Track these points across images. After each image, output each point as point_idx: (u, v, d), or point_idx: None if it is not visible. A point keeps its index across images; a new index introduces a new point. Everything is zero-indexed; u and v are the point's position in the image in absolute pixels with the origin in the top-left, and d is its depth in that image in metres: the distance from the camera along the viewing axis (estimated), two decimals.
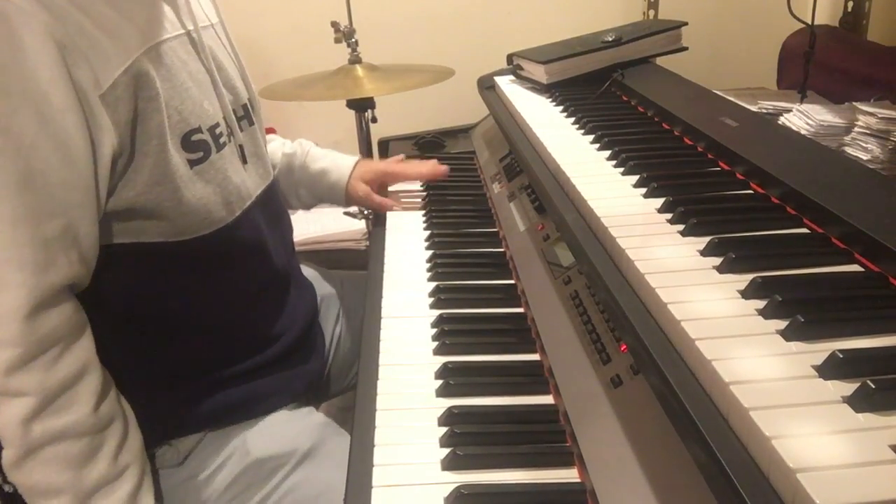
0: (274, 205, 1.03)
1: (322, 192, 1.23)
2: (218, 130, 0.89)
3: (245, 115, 0.99)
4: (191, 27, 0.88)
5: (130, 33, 0.77)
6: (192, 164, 0.84)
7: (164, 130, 0.79)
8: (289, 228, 1.10)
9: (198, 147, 0.85)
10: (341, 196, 1.23)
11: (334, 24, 1.75)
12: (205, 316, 0.90)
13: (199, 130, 0.85)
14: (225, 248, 0.90)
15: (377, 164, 1.29)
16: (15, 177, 0.68)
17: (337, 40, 1.76)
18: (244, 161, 0.95)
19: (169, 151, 0.80)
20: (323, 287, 1.21)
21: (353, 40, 1.76)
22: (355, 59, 1.77)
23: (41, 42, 0.69)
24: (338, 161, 1.23)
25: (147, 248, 0.82)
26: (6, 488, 0.72)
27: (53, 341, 0.72)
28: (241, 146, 0.95)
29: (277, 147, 1.22)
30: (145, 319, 0.87)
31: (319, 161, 1.22)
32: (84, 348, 0.75)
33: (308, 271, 1.20)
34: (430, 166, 1.30)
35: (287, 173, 1.21)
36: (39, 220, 0.70)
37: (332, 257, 1.95)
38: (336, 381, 1.19)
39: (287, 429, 0.93)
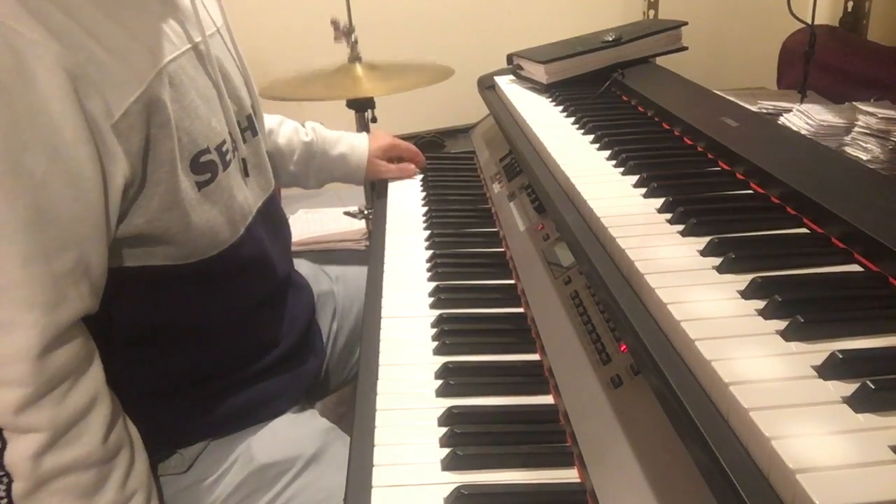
0: (274, 215, 1.03)
1: (342, 175, 1.33)
2: (224, 148, 0.87)
3: (249, 125, 0.97)
4: (198, 39, 0.85)
5: (140, 55, 0.75)
6: (200, 186, 0.83)
7: (174, 155, 0.78)
8: (288, 235, 1.10)
9: (206, 168, 0.83)
10: (360, 178, 1.35)
11: (334, 23, 1.75)
12: (208, 329, 0.90)
13: (207, 151, 0.83)
14: (230, 265, 0.89)
15: (383, 140, 1.39)
16: (25, 214, 0.66)
17: (336, 39, 1.76)
18: (246, 174, 0.94)
19: (179, 176, 0.79)
20: (318, 284, 1.21)
21: (353, 39, 1.76)
22: (355, 58, 1.77)
23: (52, 74, 0.67)
24: (353, 143, 1.32)
25: (153, 271, 0.81)
26: None
27: (63, 377, 0.71)
28: (243, 160, 0.93)
29: (293, 132, 1.25)
30: (148, 335, 0.86)
31: (337, 146, 1.30)
32: (93, 378, 0.74)
33: (303, 268, 1.19)
34: (420, 158, 1.44)
35: (307, 160, 1.27)
36: (50, 256, 0.68)
37: (332, 257, 1.95)
38: (334, 376, 1.20)
39: (290, 434, 0.93)
